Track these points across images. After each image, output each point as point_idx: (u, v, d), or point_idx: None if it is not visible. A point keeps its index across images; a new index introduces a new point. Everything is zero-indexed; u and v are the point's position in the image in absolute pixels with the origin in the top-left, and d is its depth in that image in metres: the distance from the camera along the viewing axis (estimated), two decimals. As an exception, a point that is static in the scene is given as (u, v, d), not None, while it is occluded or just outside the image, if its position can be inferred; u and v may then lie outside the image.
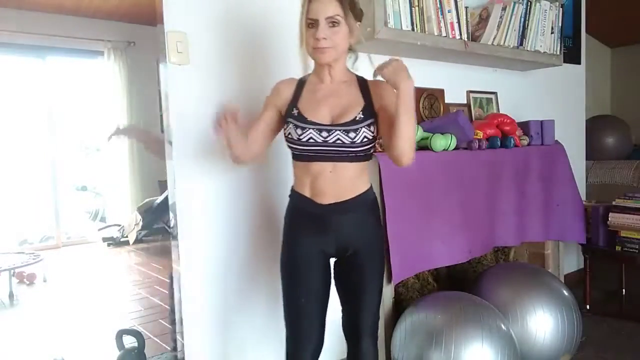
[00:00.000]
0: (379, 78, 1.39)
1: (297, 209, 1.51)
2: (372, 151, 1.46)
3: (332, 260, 1.55)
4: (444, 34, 2.19)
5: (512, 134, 2.44)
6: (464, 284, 2.34)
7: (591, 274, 2.96)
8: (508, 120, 2.46)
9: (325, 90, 1.45)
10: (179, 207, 1.75)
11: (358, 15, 1.43)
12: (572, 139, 3.26)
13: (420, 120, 2.38)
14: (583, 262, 3.02)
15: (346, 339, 1.57)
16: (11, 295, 3.73)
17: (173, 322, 1.83)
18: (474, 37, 2.39)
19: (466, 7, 2.29)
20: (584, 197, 3.35)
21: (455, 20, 2.23)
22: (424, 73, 2.46)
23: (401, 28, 2.03)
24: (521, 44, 2.56)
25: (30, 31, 5.20)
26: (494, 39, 2.42)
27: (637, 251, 2.66)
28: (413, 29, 2.07)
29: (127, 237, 5.52)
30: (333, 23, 1.36)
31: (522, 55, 2.57)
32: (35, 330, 3.09)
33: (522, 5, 2.50)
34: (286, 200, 1.56)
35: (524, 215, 2.46)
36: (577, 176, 2.82)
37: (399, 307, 2.04)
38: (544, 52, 2.69)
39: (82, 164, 6.47)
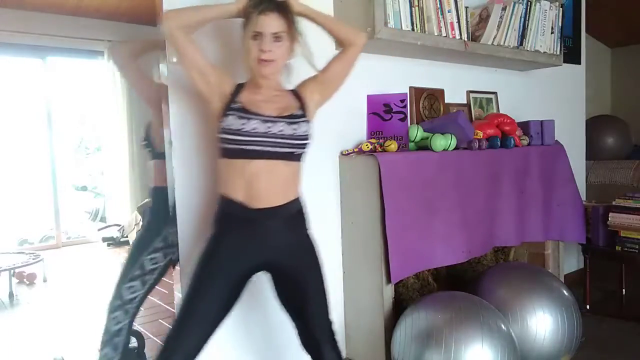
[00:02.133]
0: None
1: (225, 215, 1.47)
2: (304, 152, 1.49)
3: (260, 274, 1.55)
4: (444, 34, 2.19)
5: (512, 134, 2.44)
6: (464, 284, 2.33)
7: (591, 274, 2.96)
8: (508, 120, 2.46)
9: (264, 95, 1.49)
10: (179, 207, 1.75)
11: (296, 35, 1.48)
12: (572, 139, 3.26)
13: (420, 120, 2.38)
14: (583, 262, 3.02)
15: (308, 352, 1.56)
16: (11, 295, 3.73)
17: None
18: (474, 37, 2.39)
19: (466, 7, 2.29)
20: (584, 197, 3.35)
21: (455, 20, 2.23)
22: (424, 73, 2.47)
23: (401, 28, 2.03)
24: (521, 44, 2.56)
25: (30, 31, 5.20)
26: (494, 39, 2.42)
27: (637, 251, 2.66)
28: (413, 29, 2.07)
29: (127, 237, 5.51)
30: (277, 38, 1.42)
31: (522, 55, 2.57)
32: (35, 330, 3.09)
33: (522, 5, 2.50)
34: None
35: (523, 215, 2.46)
36: (577, 176, 2.82)
37: (399, 307, 2.04)
38: (544, 52, 2.69)
39: (82, 164, 6.47)
